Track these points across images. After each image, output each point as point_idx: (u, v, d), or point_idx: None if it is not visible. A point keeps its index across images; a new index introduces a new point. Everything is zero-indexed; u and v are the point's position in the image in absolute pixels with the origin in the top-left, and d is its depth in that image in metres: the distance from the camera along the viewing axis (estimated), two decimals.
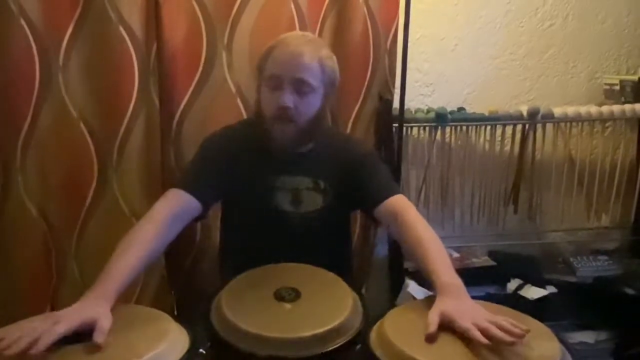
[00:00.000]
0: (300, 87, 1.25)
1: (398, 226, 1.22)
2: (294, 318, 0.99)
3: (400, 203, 1.27)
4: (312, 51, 1.27)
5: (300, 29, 1.64)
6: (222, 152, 1.35)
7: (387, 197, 1.27)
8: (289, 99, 1.24)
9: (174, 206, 1.22)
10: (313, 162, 1.36)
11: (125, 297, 1.53)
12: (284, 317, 1.00)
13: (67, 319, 0.89)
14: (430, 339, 0.91)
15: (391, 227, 1.27)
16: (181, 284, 1.77)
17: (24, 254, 1.54)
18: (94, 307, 0.93)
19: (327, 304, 1.04)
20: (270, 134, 1.29)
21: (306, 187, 1.35)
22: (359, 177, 1.34)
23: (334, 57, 1.35)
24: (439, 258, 1.09)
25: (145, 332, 0.93)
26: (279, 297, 1.05)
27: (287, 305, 1.03)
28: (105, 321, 0.91)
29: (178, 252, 1.74)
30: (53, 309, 1.58)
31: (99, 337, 0.87)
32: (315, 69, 1.27)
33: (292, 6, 1.63)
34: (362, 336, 0.98)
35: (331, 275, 1.16)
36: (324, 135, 1.39)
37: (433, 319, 0.93)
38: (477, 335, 0.87)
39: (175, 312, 1.74)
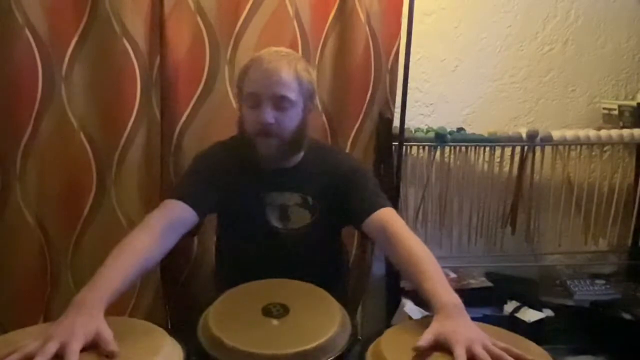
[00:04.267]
0: (280, 102, 1.25)
1: (386, 240, 1.20)
2: (280, 334, 0.99)
3: (388, 216, 1.25)
4: (287, 66, 1.26)
5: (303, 47, 1.66)
6: (214, 166, 1.35)
7: (374, 210, 1.26)
8: (269, 115, 1.24)
9: (170, 216, 1.21)
10: (301, 177, 1.36)
11: (120, 310, 1.54)
12: (270, 334, 0.99)
13: (75, 340, 0.87)
14: (418, 351, 0.90)
15: (379, 241, 1.26)
16: (176, 297, 1.76)
17: (19, 262, 1.54)
18: (92, 320, 0.92)
19: (315, 321, 1.03)
20: (256, 149, 1.29)
21: (294, 203, 1.35)
22: (347, 191, 1.33)
23: (310, 69, 1.35)
24: (434, 275, 1.07)
25: (139, 345, 0.92)
26: (267, 312, 1.04)
27: (274, 322, 1.02)
28: (107, 331, 0.90)
29: (174, 266, 1.73)
30: (46, 318, 1.57)
31: (113, 346, 0.87)
32: (293, 83, 1.26)
33: (295, 24, 1.65)
34: (358, 355, 0.97)
35: (321, 291, 1.15)
36: (312, 149, 1.38)
37: (427, 336, 0.93)
38: None
39: (169, 326, 1.72)
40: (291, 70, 1.26)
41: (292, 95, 1.26)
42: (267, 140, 1.26)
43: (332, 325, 1.00)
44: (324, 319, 1.03)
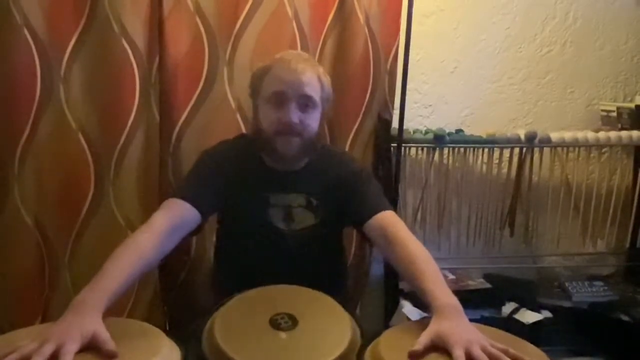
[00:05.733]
0: (305, 102, 1.27)
1: (387, 242, 1.21)
2: (289, 349, 0.96)
3: (389, 219, 1.26)
4: (312, 68, 1.29)
5: (302, 48, 1.66)
6: (220, 165, 1.35)
7: (376, 213, 1.26)
8: (294, 115, 1.25)
9: (174, 217, 1.21)
10: (306, 179, 1.36)
11: (118, 311, 1.54)
12: (279, 348, 0.96)
13: (71, 341, 0.87)
14: (414, 356, 0.90)
15: (380, 243, 1.26)
16: (174, 299, 1.76)
17: (17, 263, 1.53)
18: (89, 322, 0.91)
19: (325, 335, 1.00)
20: (274, 149, 1.29)
21: (299, 204, 1.35)
22: (350, 193, 1.33)
23: (327, 75, 1.37)
24: (433, 277, 1.08)
25: (137, 347, 0.92)
26: (275, 324, 1.01)
27: (283, 335, 0.99)
28: (104, 332, 0.90)
29: (172, 267, 1.73)
30: (44, 319, 1.56)
31: (111, 346, 0.88)
32: (316, 85, 1.29)
33: (294, 25, 1.65)
34: (356, 357, 0.97)
35: (329, 300, 1.12)
36: (318, 152, 1.39)
37: (423, 339, 0.93)
38: None
39: (167, 328, 1.72)
40: (315, 72, 1.29)
41: (316, 96, 1.28)
42: (288, 139, 1.27)
43: (344, 340, 0.98)
44: (334, 333, 1.00)
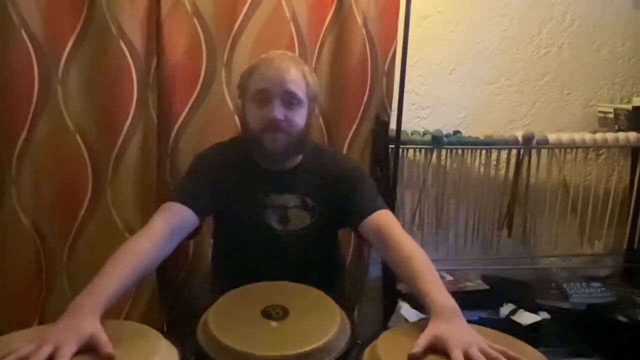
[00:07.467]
0: (289, 99, 1.27)
1: (383, 242, 1.21)
2: (280, 336, 1.00)
3: (383, 218, 1.26)
4: (296, 66, 1.30)
5: (300, 49, 1.66)
6: (214, 167, 1.35)
7: (371, 212, 1.27)
8: (279, 111, 1.25)
9: (173, 220, 1.21)
10: (301, 179, 1.36)
11: (115, 312, 1.53)
12: (270, 335, 1.00)
13: (68, 343, 0.87)
14: (413, 359, 0.90)
15: (376, 243, 1.26)
16: (172, 300, 1.76)
17: (14, 265, 1.53)
18: (87, 324, 0.91)
19: (314, 323, 1.04)
20: (261, 147, 1.29)
21: (294, 205, 1.35)
22: (345, 192, 1.33)
23: (314, 74, 1.38)
24: (430, 278, 1.08)
25: (134, 348, 0.92)
26: (267, 315, 1.05)
27: (274, 324, 1.03)
28: (102, 335, 0.90)
29: (170, 268, 1.72)
30: (41, 321, 1.56)
31: (108, 348, 0.88)
32: (301, 82, 1.29)
33: (292, 26, 1.65)
34: (354, 357, 0.97)
35: (321, 294, 1.16)
36: (311, 151, 1.39)
37: (422, 341, 0.93)
38: None
39: (165, 329, 1.72)
40: (300, 70, 1.30)
41: (301, 93, 1.28)
42: (274, 135, 1.27)
43: (332, 328, 1.01)
44: (323, 321, 1.04)
